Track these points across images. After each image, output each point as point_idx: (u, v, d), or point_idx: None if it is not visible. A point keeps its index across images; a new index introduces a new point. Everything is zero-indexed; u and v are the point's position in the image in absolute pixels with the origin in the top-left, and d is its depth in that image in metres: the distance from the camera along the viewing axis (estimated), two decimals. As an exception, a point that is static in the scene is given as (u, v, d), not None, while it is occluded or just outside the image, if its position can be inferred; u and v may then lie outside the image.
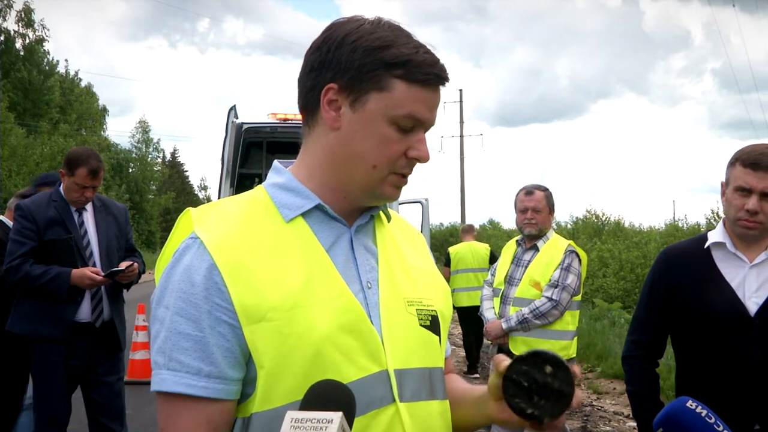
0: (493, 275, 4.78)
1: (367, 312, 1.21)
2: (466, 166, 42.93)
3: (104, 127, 46.56)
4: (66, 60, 79.76)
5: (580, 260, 4.43)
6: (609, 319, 12.95)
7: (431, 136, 1.30)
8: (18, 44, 37.99)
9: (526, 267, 4.46)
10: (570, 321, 4.39)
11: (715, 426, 1.86)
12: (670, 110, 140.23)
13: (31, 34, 38.33)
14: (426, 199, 8.68)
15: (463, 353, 9.63)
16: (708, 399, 2.06)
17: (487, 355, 5.35)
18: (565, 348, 4.35)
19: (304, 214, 1.24)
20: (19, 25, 37.73)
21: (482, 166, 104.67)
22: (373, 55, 1.18)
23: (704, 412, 1.88)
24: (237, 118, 7.61)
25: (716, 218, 19.50)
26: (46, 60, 39.92)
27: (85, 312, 3.89)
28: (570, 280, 4.31)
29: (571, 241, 4.55)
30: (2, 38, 36.35)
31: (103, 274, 3.84)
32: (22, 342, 3.93)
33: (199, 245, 1.16)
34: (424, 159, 1.24)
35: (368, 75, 1.18)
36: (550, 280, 4.33)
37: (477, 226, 13.66)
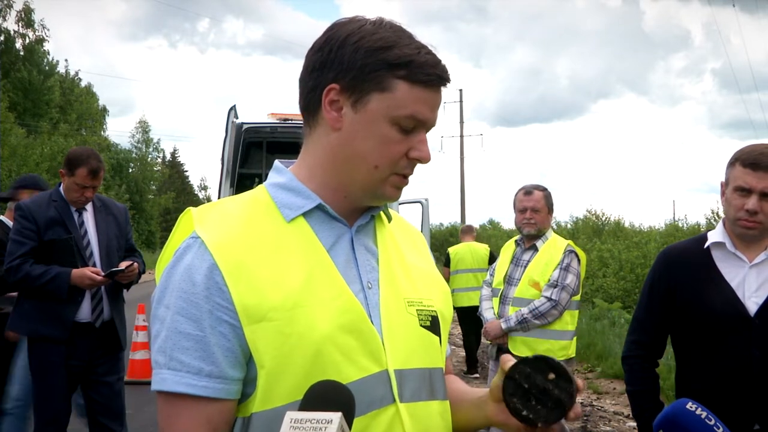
0: (491, 275, 4.78)
1: (367, 312, 1.21)
2: (466, 166, 43.00)
3: (104, 127, 46.60)
4: (66, 60, 79.91)
5: (579, 260, 4.43)
6: (609, 319, 12.95)
7: (431, 136, 1.30)
8: (18, 44, 38.00)
9: (525, 267, 4.46)
10: (569, 321, 4.39)
11: (714, 428, 1.86)
12: (670, 110, 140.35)
13: (31, 34, 38.38)
14: (426, 199, 8.68)
15: (463, 353, 9.64)
16: (708, 399, 2.06)
17: (487, 356, 5.35)
18: (565, 348, 4.35)
19: (305, 214, 1.24)
20: (19, 25, 37.79)
21: (482, 166, 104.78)
22: (376, 55, 1.18)
23: (704, 414, 1.88)
24: (237, 118, 7.61)
25: (716, 218, 19.50)
26: (46, 60, 39.91)
27: (85, 312, 3.89)
28: (569, 279, 4.31)
29: (569, 241, 4.56)
30: (2, 38, 36.35)
31: (103, 274, 3.83)
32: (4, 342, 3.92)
33: (200, 245, 1.16)
34: (426, 160, 1.24)
35: (370, 75, 1.18)
36: (549, 280, 4.33)
37: (477, 226, 13.69)
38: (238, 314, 1.12)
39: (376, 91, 1.19)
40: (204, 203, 1.55)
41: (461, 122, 37.46)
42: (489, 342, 4.69)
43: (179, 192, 60.06)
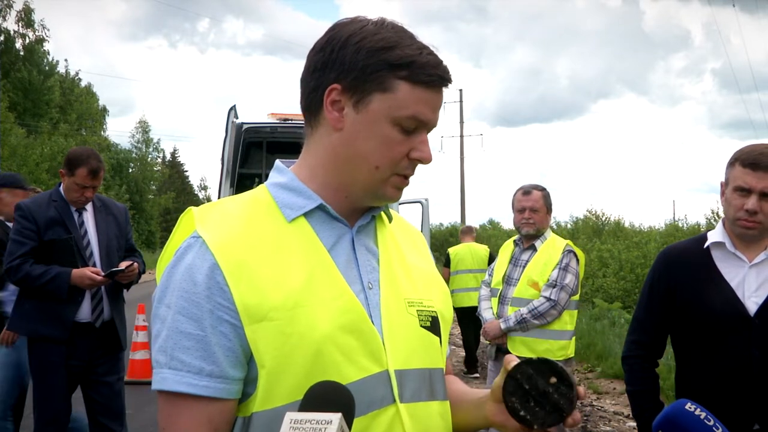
0: (490, 275, 4.78)
1: (368, 312, 1.21)
2: (466, 166, 42.98)
3: (104, 127, 46.61)
4: (66, 60, 79.95)
5: (577, 260, 4.43)
6: (609, 319, 12.95)
7: (431, 136, 1.30)
8: (18, 44, 38.01)
9: (524, 267, 4.46)
10: (568, 321, 4.39)
11: (714, 428, 1.86)
12: (670, 110, 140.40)
13: (31, 34, 38.39)
14: (426, 199, 8.68)
15: (463, 353, 9.64)
16: (708, 399, 2.06)
17: (486, 356, 5.35)
18: (563, 348, 4.35)
19: (306, 214, 1.24)
20: (19, 25, 37.80)
21: (482, 166, 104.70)
22: (377, 56, 1.18)
23: (703, 415, 1.88)
24: (237, 118, 7.61)
25: (716, 218, 19.50)
26: (46, 60, 39.92)
27: (85, 312, 3.89)
28: (568, 279, 4.31)
29: (568, 241, 4.56)
30: (2, 38, 36.35)
31: (103, 274, 3.84)
32: None
33: (201, 244, 1.16)
34: (427, 160, 1.24)
35: (372, 76, 1.19)
36: (548, 280, 4.33)
37: (477, 226, 13.69)
38: (239, 314, 1.12)
39: (377, 91, 1.19)
40: (204, 203, 1.55)
41: (461, 122, 37.48)
42: (488, 342, 4.70)
43: (179, 192, 60.04)
